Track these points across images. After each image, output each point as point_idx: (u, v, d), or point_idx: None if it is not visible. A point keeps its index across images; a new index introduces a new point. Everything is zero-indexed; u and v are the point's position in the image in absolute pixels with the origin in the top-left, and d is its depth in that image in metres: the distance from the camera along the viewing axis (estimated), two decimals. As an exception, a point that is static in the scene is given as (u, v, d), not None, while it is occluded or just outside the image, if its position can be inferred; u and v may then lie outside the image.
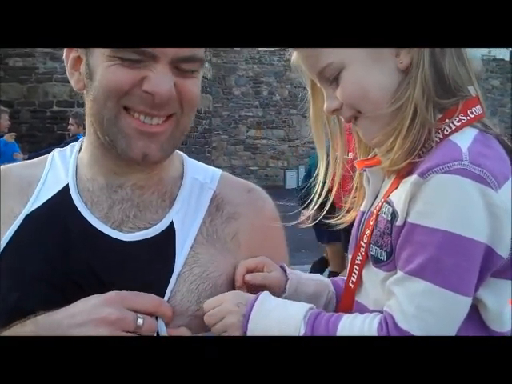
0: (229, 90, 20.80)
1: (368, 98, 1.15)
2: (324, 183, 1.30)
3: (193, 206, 1.27)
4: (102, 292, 1.13)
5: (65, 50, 1.22)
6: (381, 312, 1.11)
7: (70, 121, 8.39)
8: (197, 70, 1.19)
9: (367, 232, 1.17)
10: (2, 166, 1.32)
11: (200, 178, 1.32)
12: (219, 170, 1.38)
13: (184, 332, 1.16)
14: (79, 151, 1.32)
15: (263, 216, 1.33)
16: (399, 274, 1.08)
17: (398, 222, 1.09)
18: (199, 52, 1.17)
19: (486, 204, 1.04)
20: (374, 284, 1.16)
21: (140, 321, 1.10)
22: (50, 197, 1.25)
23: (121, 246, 1.19)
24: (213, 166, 1.43)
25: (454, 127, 1.11)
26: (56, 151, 1.35)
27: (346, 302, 1.23)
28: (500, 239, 1.06)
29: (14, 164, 1.38)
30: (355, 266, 1.20)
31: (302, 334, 1.10)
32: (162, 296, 1.16)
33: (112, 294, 1.12)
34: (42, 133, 12.21)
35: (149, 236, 1.21)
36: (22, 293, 1.14)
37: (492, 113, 20.43)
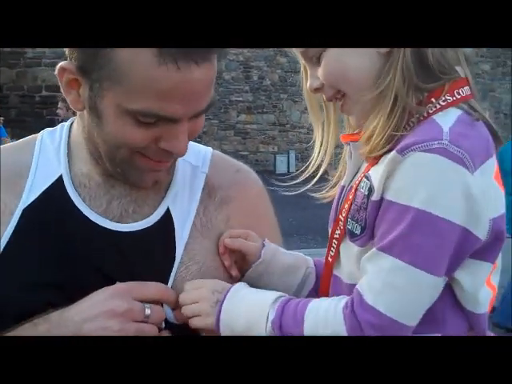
0: (219, 75, 20.55)
1: (347, 78, 1.17)
2: (318, 157, 1.31)
3: (187, 193, 1.25)
4: (107, 286, 1.12)
5: (57, 70, 1.13)
6: (354, 285, 1.12)
7: (59, 105, 8.33)
8: None
9: (346, 206, 1.18)
10: None
11: (192, 160, 1.30)
12: (209, 150, 1.36)
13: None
14: (69, 135, 1.26)
15: (253, 197, 1.33)
16: (372, 250, 1.09)
17: (374, 197, 1.10)
18: (213, 96, 1.15)
19: (462, 185, 1.04)
20: (349, 258, 1.17)
21: (148, 311, 1.11)
22: (44, 188, 1.20)
23: (121, 238, 1.18)
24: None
25: (439, 106, 1.11)
26: (45, 133, 1.29)
27: (325, 276, 1.24)
28: (477, 221, 1.06)
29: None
30: (334, 240, 1.21)
31: (270, 320, 1.10)
32: (166, 283, 1.17)
33: (118, 286, 1.12)
34: (31, 117, 12.13)
35: (148, 225, 1.20)
36: (26, 295, 1.12)
37: (482, 97, 20.41)
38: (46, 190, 1.19)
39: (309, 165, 1.32)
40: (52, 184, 1.20)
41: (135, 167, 1.15)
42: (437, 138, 1.05)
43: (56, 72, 1.13)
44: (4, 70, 12.39)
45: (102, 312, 1.09)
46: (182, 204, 1.24)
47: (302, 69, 1.31)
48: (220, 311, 1.14)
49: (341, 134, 1.30)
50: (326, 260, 1.24)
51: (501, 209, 1.11)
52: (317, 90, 1.23)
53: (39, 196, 1.19)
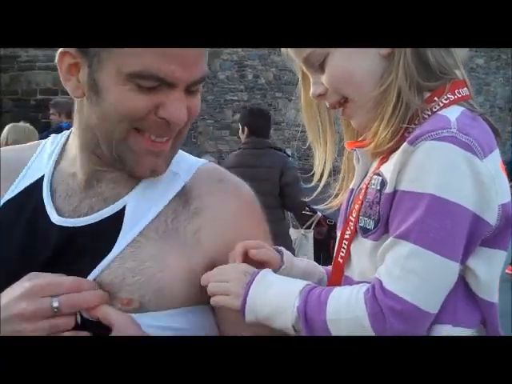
0: (214, 75, 20.68)
1: (352, 82, 1.20)
2: (319, 167, 1.35)
3: (156, 194, 1.23)
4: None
5: (58, 56, 1.16)
6: (367, 283, 1.13)
7: (51, 110, 8.32)
8: None
9: (356, 207, 1.20)
10: None
11: (173, 168, 1.27)
12: (202, 161, 1.33)
13: (105, 310, 1.12)
14: (66, 142, 1.31)
15: (231, 206, 1.26)
16: (388, 240, 1.11)
17: (387, 190, 1.12)
18: (207, 70, 1.18)
19: (472, 171, 1.07)
20: (361, 255, 1.19)
21: (55, 303, 1.08)
22: (26, 186, 1.24)
23: (70, 233, 1.18)
24: (199, 151, 1.41)
25: (442, 104, 1.16)
26: (52, 136, 1.33)
27: (335, 277, 1.26)
28: (487, 206, 1.09)
29: (5, 148, 1.35)
30: (344, 241, 1.23)
31: (295, 306, 1.12)
32: (90, 276, 1.14)
33: (27, 286, 1.10)
34: (26, 121, 12.10)
35: (97, 220, 1.19)
36: None
37: (477, 91, 20.48)
38: (27, 188, 1.24)
39: (313, 175, 1.35)
40: (33, 182, 1.25)
41: (132, 149, 1.16)
42: (445, 127, 1.09)
43: (56, 59, 1.16)
44: (-3, 75, 12.37)
45: (13, 315, 1.08)
46: (144, 203, 1.21)
47: (300, 79, 1.32)
48: (247, 293, 1.15)
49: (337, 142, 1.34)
50: (335, 262, 1.26)
51: (508, 196, 1.15)
52: (320, 96, 1.26)
53: (20, 192, 1.24)
